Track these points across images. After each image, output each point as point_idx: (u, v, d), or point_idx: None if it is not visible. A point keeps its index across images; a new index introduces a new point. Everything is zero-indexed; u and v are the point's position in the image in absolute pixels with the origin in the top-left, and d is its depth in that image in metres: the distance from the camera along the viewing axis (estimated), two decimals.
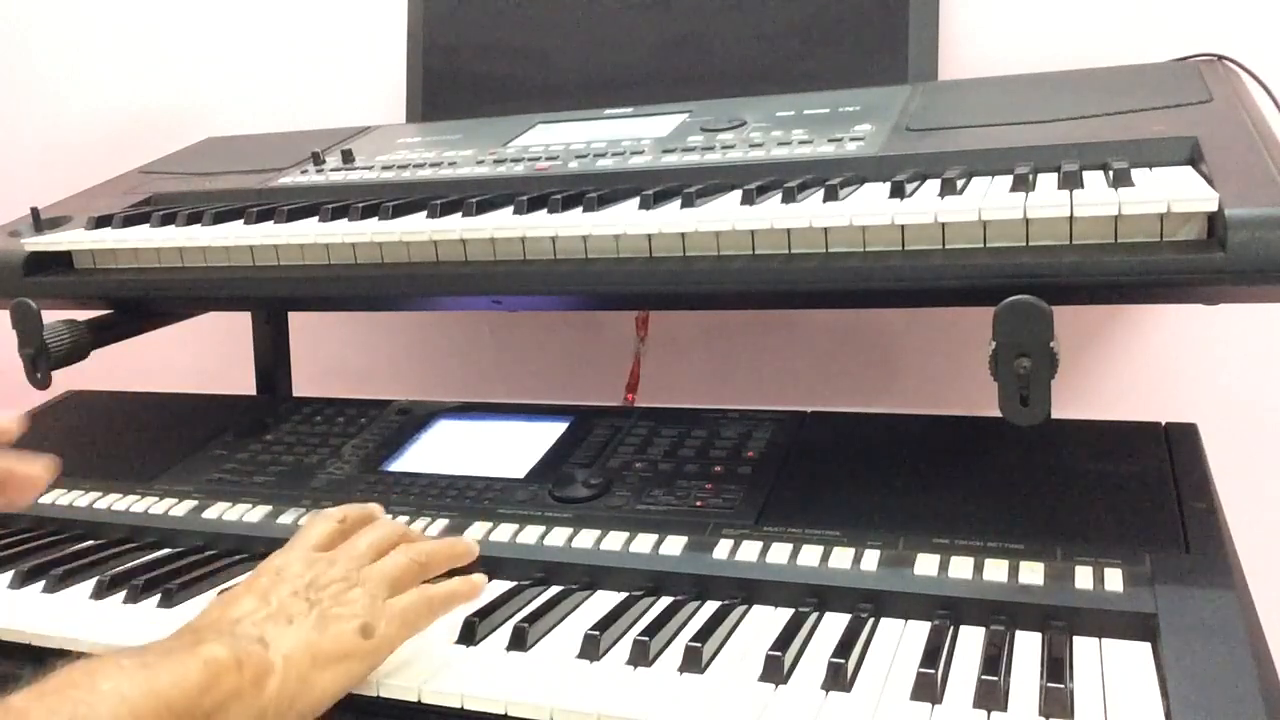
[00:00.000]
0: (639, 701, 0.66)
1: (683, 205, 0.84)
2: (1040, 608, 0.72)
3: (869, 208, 0.77)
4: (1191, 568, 0.73)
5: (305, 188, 1.12)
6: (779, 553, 0.81)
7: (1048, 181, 0.79)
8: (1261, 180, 0.72)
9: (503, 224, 0.87)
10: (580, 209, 0.87)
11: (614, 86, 1.27)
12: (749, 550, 0.82)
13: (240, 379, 1.42)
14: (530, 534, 0.88)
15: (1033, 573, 0.75)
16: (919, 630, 0.73)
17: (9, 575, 0.92)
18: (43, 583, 0.90)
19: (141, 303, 1.13)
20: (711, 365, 1.47)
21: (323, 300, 1.13)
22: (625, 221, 0.83)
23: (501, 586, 0.84)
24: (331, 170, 1.16)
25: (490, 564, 0.87)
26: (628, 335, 1.41)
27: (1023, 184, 0.77)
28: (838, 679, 0.67)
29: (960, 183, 0.81)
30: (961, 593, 0.74)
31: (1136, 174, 0.75)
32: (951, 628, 0.73)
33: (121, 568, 0.91)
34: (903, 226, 0.76)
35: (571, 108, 1.24)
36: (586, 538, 0.87)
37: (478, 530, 0.90)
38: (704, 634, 0.72)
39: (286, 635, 0.66)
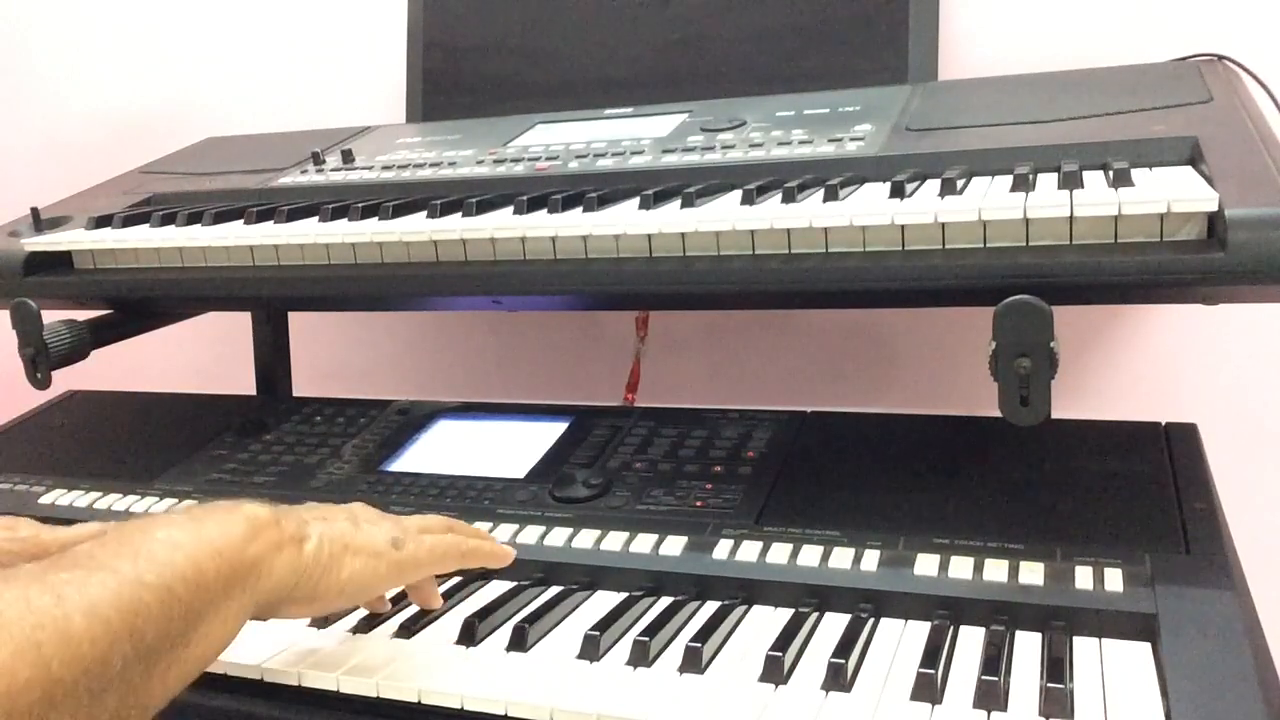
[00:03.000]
0: (639, 702, 0.66)
1: (683, 205, 0.84)
2: (1040, 608, 0.72)
3: (869, 208, 0.77)
4: (1191, 568, 0.73)
5: (305, 188, 1.12)
6: (779, 553, 0.81)
7: (1048, 181, 0.78)
8: (1261, 180, 0.72)
9: (503, 224, 0.87)
10: (580, 209, 0.87)
11: (614, 86, 1.26)
12: (749, 550, 0.82)
13: (240, 379, 1.42)
14: (530, 534, 0.88)
15: (1033, 573, 0.75)
16: (919, 630, 0.73)
17: None
18: None
19: (141, 303, 1.13)
20: (711, 365, 1.47)
21: (323, 300, 1.13)
22: (625, 221, 0.83)
23: (501, 586, 0.84)
24: (331, 170, 1.16)
25: None
26: (628, 335, 1.41)
27: (1023, 184, 0.77)
28: (838, 679, 0.67)
29: (960, 183, 0.81)
30: (961, 593, 0.74)
31: (1136, 174, 0.75)
32: (951, 628, 0.73)
33: None
34: (903, 226, 0.76)
35: (571, 108, 1.24)
36: (586, 538, 0.87)
37: None
38: (704, 634, 0.72)
39: (322, 523, 0.70)
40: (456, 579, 0.86)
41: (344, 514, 0.73)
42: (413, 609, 0.81)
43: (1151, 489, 0.84)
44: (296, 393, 1.42)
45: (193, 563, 0.59)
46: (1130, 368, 1.28)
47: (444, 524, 0.80)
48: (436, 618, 0.80)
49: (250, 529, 0.64)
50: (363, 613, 0.81)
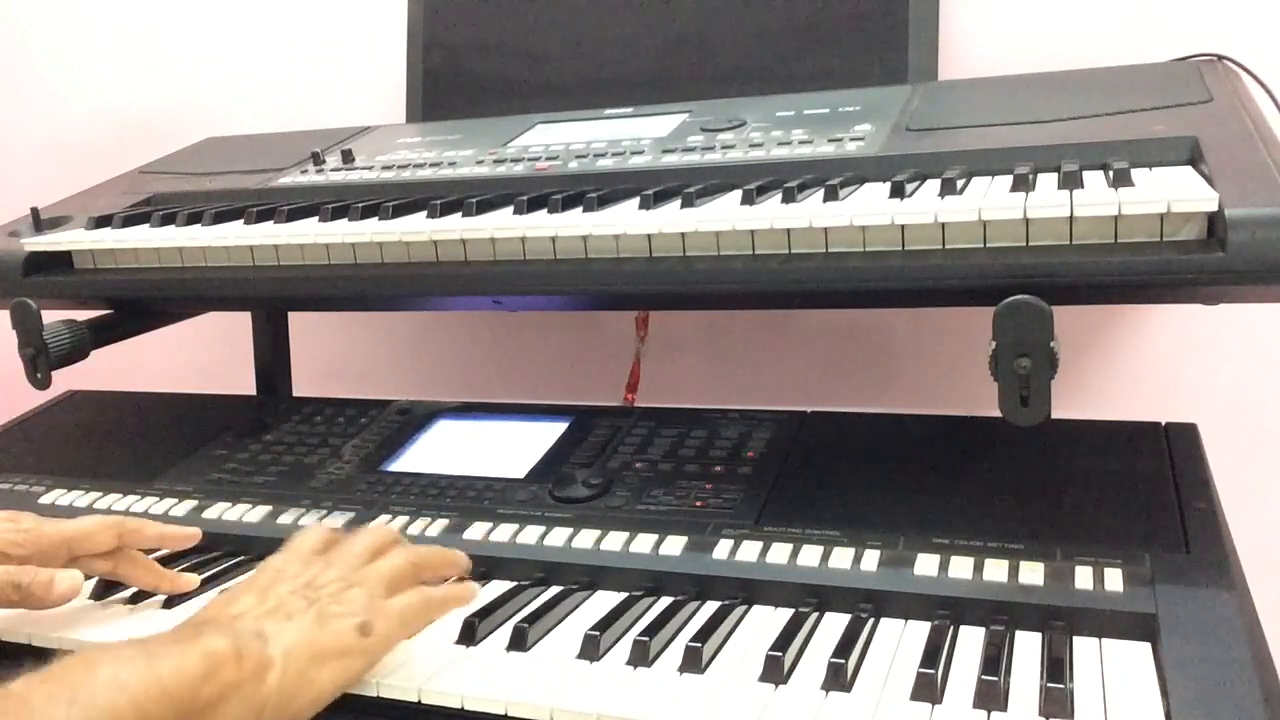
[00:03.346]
0: (639, 702, 0.66)
1: (683, 205, 0.84)
2: (1040, 608, 0.72)
3: (869, 208, 0.77)
4: (1191, 568, 0.73)
5: (305, 188, 1.12)
6: (779, 553, 0.81)
7: (1048, 181, 0.78)
8: (1261, 180, 0.72)
9: (503, 224, 0.87)
10: (580, 209, 0.87)
11: (614, 86, 1.26)
12: (749, 550, 0.82)
13: (240, 379, 1.42)
14: (530, 534, 0.88)
15: (1033, 573, 0.75)
16: (919, 630, 0.73)
17: None
18: None
19: (141, 303, 1.13)
20: (711, 365, 1.47)
21: (323, 300, 1.13)
22: (625, 221, 0.83)
23: (501, 586, 0.84)
24: (331, 170, 1.16)
25: (490, 564, 0.87)
26: (628, 335, 1.41)
27: (1023, 184, 0.77)
28: (838, 679, 0.67)
29: (960, 183, 0.81)
30: (961, 593, 0.74)
31: (1136, 174, 0.75)
32: (951, 628, 0.73)
33: None
34: (903, 226, 0.76)
35: (571, 108, 1.24)
36: (586, 538, 0.87)
37: (478, 530, 0.90)
38: (704, 634, 0.72)
39: (286, 631, 0.67)
40: (456, 578, 0.86)
41: (306, 605, 0.69)
42: None
43: (1151, 489, 0.84)
44: (296, 393, 1.42)
45: (136, 707, 0.56)
46: (1130, 368, 1.28)
47: (411, 568, 0.76)
48: None
49: (207, 667, 0.61)
50: None
